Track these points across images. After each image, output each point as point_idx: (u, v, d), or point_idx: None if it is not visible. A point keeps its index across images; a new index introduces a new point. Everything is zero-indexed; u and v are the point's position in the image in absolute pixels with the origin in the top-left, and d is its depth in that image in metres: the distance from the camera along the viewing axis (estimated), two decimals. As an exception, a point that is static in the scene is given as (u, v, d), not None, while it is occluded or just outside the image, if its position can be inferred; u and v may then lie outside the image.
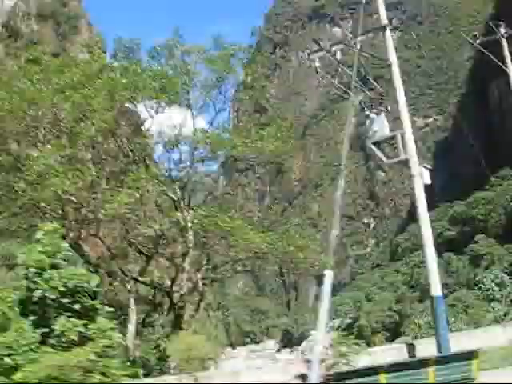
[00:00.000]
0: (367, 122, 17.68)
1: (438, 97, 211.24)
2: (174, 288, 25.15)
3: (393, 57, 18.50)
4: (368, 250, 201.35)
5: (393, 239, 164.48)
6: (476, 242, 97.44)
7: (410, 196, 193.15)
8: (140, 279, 27.19)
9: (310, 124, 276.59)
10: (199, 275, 26.46)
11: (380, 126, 17.56)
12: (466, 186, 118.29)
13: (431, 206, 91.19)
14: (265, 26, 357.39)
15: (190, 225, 22.55)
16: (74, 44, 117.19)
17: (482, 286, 49.44)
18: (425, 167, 17.35)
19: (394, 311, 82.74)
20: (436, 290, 17.00)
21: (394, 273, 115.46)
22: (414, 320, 45.38)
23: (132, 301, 25.80)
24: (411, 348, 18.70)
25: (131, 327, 24.89)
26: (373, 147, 17.90)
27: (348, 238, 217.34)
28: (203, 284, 26.69)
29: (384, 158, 17.72)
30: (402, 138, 17.11)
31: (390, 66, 18.54)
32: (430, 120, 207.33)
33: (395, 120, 19.13)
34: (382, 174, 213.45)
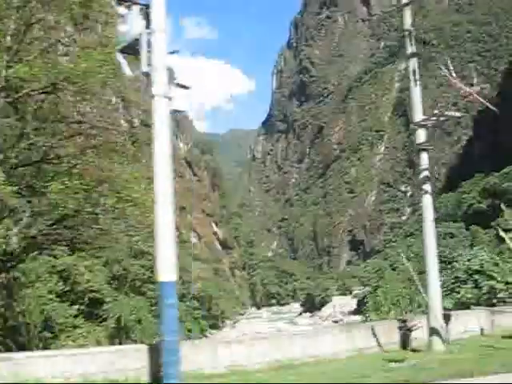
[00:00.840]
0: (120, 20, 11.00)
1: (488, 64, 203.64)
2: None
3: None
4: (404, 218, 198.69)
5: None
6: (503, 217, 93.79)
7: (447, 165, 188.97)
8: None
9: (353, 87, 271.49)
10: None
11: (131, 25, 11.81)
12: (507, 158, 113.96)
13: (468, 176, 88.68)
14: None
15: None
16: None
17: (456, 264, 43.17)
18: (180, 85, 11.60)
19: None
20: (166, 272, 10.28)
21: (421, 243, 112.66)
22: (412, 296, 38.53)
23: None
24: (154, 351, 11.65)
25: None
26: (120, 55, 12.11)
27: (384, 204, 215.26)
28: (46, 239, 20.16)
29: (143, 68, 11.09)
30: (149, 40, 11.09)
31: None
32: (477, 88, 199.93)
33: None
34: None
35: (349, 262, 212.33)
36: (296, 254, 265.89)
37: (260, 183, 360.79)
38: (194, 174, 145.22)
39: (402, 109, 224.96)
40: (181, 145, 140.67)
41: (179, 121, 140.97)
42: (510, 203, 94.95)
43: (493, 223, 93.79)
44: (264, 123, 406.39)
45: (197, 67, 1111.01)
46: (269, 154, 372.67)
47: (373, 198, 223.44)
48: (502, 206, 56.88)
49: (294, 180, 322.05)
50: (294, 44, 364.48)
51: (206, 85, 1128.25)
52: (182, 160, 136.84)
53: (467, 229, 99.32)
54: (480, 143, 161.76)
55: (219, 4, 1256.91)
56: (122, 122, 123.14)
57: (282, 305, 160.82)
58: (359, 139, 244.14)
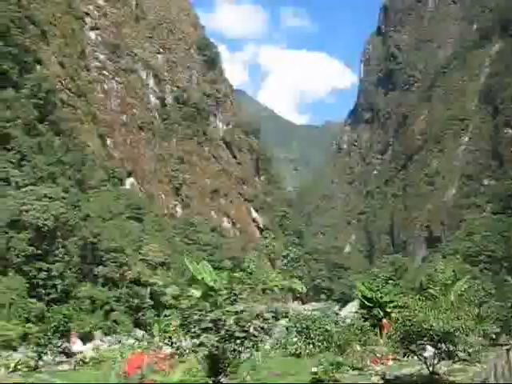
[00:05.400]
0: None
1: None
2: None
3: None
4: (484, 214, 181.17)
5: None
6: None
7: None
8: None
9: (440, 74, 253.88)
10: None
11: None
12: None
13: None
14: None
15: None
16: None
17: None
18: None
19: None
20: None
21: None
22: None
23: None
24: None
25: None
26: None
27: (465, 199, 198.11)
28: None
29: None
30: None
31: None
32: None
33: None
34: (511, 130, 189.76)
35: (424, 259, 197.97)
36: (372, 249, 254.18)
37: (344, 174, 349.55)
38: (234, 157, 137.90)
39: (490, 95, 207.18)
40: (219, 124, 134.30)
41: (219, 98, 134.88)
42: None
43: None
44: (351, 113, 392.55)
45: (299, 59, 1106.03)
46: (354, 144, 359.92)
47: (453, 192, 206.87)
48: None
49: (376, 172, 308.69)
50: (383, 30, 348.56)
51: (308, 78, 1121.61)
52: (220, 140, 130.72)
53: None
54: None
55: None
56: (152, 98, 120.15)
57: (334, 300, 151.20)
58: (443, 129, 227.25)
